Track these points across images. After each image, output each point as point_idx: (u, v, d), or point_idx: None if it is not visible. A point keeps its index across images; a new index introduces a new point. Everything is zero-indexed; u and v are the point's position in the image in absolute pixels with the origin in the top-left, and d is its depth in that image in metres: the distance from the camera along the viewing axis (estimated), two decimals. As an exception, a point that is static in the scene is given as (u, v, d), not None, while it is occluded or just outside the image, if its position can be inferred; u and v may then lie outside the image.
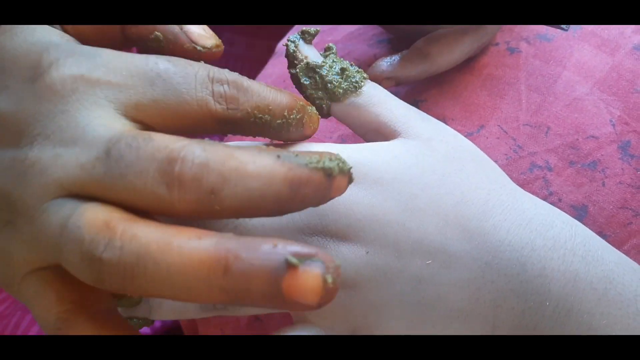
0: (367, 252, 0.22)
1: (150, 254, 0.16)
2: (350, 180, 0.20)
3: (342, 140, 0.29)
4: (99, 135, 0.18)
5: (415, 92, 0.29)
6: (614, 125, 0.27)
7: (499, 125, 0.27)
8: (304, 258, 0.16)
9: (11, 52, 0.20)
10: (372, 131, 0.25)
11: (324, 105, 0.25)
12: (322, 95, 0.25)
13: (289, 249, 0.16)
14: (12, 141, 0.19)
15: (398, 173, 0.23)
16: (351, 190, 0.23)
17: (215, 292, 0.16)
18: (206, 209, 0.18)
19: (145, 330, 0.39)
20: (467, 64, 0.30)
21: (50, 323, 0.19)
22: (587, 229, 0.24)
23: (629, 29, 0.30)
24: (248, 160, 0.18)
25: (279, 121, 0.22)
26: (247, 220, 0.23)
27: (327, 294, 0.16)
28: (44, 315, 0.19)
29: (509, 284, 0.22)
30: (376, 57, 0.33)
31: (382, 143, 0.24)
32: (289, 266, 0.16)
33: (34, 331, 0.37)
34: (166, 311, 0.24)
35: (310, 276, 0.16)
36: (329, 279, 0.16)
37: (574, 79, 0.28)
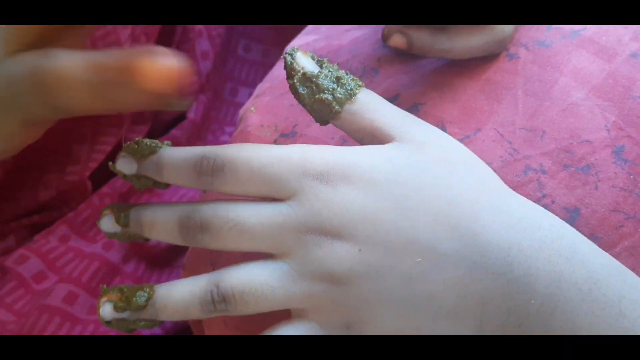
0: (360, 250, 0.23)
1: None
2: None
3: (344, 140, 0.30)
4: None
5: (415, 95, 0.30)
6: (608, 130, 0.27)
7: (495, 129, 0.28)
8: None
9: None
10: (368, 136, 0.26)
11: (321, 113, 0.26)
12: (319, 104, 0.26)
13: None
14: None
15: (391, 174, 0.24)
16: (345, 190, 0.24)
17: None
18: None
19: (157, 331, 0.40)
20: (467, 68, 0.30)
21: (25, 72, 0.20)
22: (576, 231, 0.24)
23: (626, 36, 0.30)
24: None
25: None
26: (246, 217, 0.24)
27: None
28: (23, 68, 0.20)
29: (495, 282, 0.23)
30: (380, 62, 0.33)
31: (377, 146, 0.25)
32: None
33: (49, 330, 0.38)
34: (171, 312, 0.25)
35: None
36: None
37: (570, 85, 0.29)
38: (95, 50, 0.20)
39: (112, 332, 0.39)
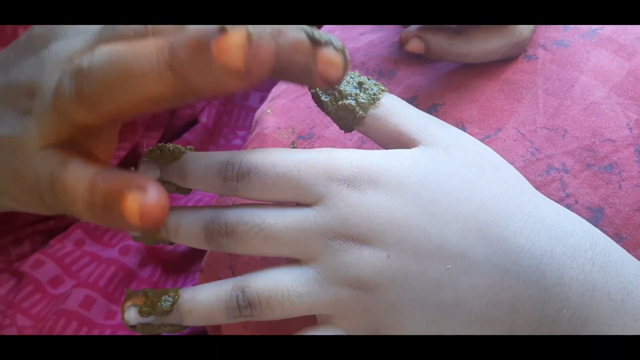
0: (388, 256, 0.23)
1: (117, 51, 0.19)
2: (345, 59, 0.21)
3: (362, 142, 0.30)
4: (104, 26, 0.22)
5: (434, 96, 0.30)
6: (630, 128, 0.27)
7: (516, 128, 0.28)
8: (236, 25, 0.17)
9: None
10: (393, 141, 0.26)
11: (345, 119, 0.26)
12: (342, 111, 0.25)
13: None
14: (39, 48, 0.23)
15: (419, 178, 0.24)
16: (373, 195, 0.23)
17: (164, 71, 0.19)
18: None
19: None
20: (485, 69, 0.30)
21: (47, 173, 0.22)
22: (608, 238, 0.24)
23: (646, 34, 0.30)
24: None
25: None
26: (272, 222, 0.24)
27: (252, 48, 0.17)
28: (44, 170, 0.22)
29: (527, 290, 0.23)
30: (397, 64, 0.33)
31: (404, 150, 0.25)
32: (221, 31, 0.17)
33: (67, 334, 0.38)
34: (196, 317, 0.25)
35: (236, 31, 0.17)
36: (252, 30, 0.17)
37: (590, 83, 0.28)
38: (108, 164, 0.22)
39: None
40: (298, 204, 0.24)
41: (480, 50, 0.29)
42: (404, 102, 0.26)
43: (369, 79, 0.26)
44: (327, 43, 0.20)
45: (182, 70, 0.18)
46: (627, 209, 0.26)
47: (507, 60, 0.30)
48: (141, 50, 0.19)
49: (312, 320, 0.25)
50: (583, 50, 0.30)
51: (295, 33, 0.20)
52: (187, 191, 0.26)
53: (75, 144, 0.23)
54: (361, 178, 0.24)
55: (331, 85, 0.21)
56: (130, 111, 0.20)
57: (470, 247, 0.23)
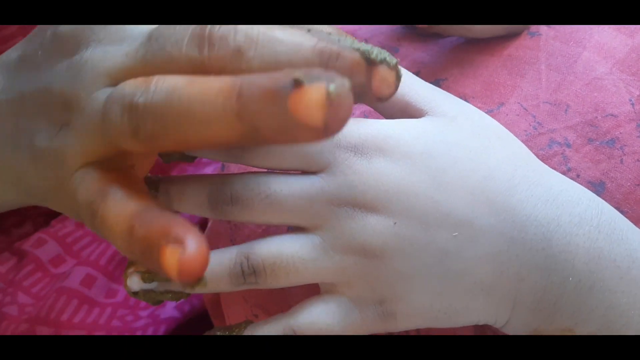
0: (395, 224, 0.23)
1: (177, 90, 0.18)
2: (397, 76, 0.20)
3: (365, 116, 0.30)
4: (143, 30, 0.21)
5: (436, 71, 0.30)
6: (633, 104, 0.27)
7: (519, 103, 0.28)
8: (311, 77, 0.16)
9: None
10: (398, 111, 0.25)
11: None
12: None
13: (297, 71, 0.16)
14: (70, 52, 0.22)
15: (427, 147, 0.24)
16: (380, 162, 0.23)
17: (231, 119, 0.17)
18: (234, 66, 0.19)
19: (175, 314, 0.40)
20: (488, 45, 0.30)
21: (88, 202, 0.20)
22: (613, 208, 0.24)
23: (649, 12, 0.30)
24: (276, 27, 0.19)
25: None
26: (277, 190, 0.24)
27: (333, 107, 0.16)
28: (84, 197, 0.20)
29: (533, 258, 0.23)
30: (400, 41, 0.33)
31: (411, 120, 0.25)
32: (296, 84, 0.16)
33: (67, 313, 0.38)
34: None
35: (314, 88, 0.16)
36: (332, 88, 0.16)
37: (593, 59, 0.28)
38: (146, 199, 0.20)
39: (131, 316, 0.39)
40: (305, 172, 0.24)
41: (483, 25, 0.29)
42: (410, 73, 0.26)
43: (379, 48, 0.26)
44: (382, 62, 0.20)
45: (252, 120, 0.17)
46: (629, 184, 0.26)
47: (510, 36, 0.30)
48: (205, 93, 0.18)
49: (315, 290, 0.25)
50: (586, 27, 0.30)
51: (352, 55, 0.19)
52: (192, 159, 0.25)
53: (117, 160, 0.22)
54: (368, 145, 0.24)
55: (382, 101, 0.20)
56: (189, 149, 0.19)
57: (476, 216, 0.23)
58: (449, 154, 0.24)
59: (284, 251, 0.24)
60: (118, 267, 0.40)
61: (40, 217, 0.41)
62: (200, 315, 0.41)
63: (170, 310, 0.40)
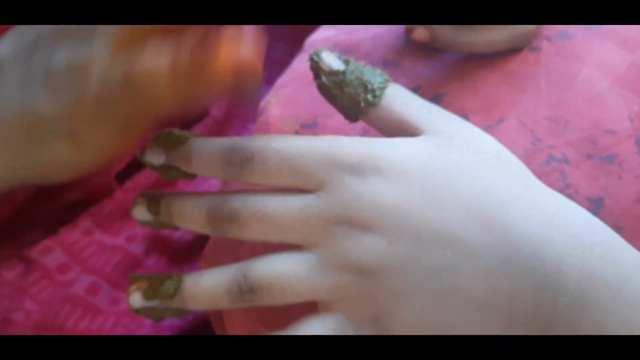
0: (389, 242, 0.23)
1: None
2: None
3: (365, 131, 0.30)
4: None
5: (437, 86, 0.30)
6: (632, 120, 0.27)
7: (518, 119, 0.28)
8: None
9: None
10: (397, 130, 0.26)
11: (351, 110, 0.26)
12: (348, 101, 0.26)
13: None
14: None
15: (422, 166, 0.24)
16: (375, 182, 0.24)
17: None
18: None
19: (178, 322, 0.40)
20: (489, 61, 0.30)
21: (120, 74, 0.20)
22: (608, 227, 0.24)
23: (650, 27, 0.30)
24: None
25: None
26: (274, 208, 0.24)
27: None
28: (114, 73, 0.21)
29: (526, 277, 0.23)
30: (401, 54, 0.34)
31: (407, 138, 0.25)
32: None
33: (72, 320, 0.38)
34: (198, 301, 0.25)
35: None
36: None
37: (593, 75, 0.29)
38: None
39: (134, 324, 0.39)
40: (301, 191, 0.25)
41: (486, 41, 0.29)
42: (409, 91, 0.26)
43: (374, 68, 0.27)
44: None
45: None
46: (627, 200, 0.26)
47: (511, 51, 0.30)
48: None
49: (314, 309, 0.26)
50: (587, 42, 0.30)
51: None
52: (192, 176, 0.26)
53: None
54: (364, 165, 0.24)
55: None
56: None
57: (470, 234, 0.23)
58: (445, 173, 0.24)
59: (280, 270, 0.24)
60: (123, 276, 0.41)
61: (50, 227, 0.42)
62: (203, 324, 0.42)
63: (173, 318, 0.41)
